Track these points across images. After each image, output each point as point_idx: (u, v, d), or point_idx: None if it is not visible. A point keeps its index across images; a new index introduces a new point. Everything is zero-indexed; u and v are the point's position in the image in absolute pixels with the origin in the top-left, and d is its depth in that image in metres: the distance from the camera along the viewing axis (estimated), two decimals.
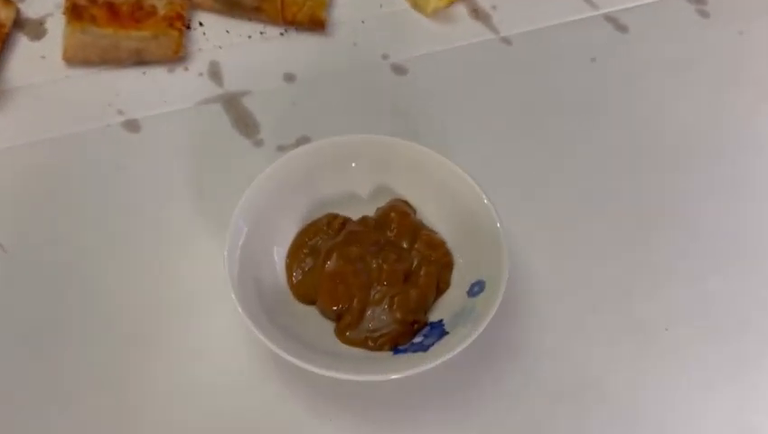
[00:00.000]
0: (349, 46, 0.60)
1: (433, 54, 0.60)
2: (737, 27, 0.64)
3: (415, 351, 0.42)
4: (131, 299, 0.46)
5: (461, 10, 0.62)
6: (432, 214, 0.48)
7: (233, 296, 0.41)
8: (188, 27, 0.58)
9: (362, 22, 0.61)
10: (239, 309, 0.41)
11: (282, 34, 0.60)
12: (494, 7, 0.63)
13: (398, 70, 0.58)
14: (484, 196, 0.45)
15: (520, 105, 0.58)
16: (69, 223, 0.49)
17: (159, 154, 0.52)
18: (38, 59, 0.56)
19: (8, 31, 0.55)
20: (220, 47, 0.58)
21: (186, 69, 0.57)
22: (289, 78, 0.57)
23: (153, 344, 0.45)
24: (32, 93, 0.54)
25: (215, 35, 0.59)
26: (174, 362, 0.44)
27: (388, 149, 0.48)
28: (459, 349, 0.40)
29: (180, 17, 0.56)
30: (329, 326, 0.45)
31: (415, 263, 0.46)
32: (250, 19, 0.60)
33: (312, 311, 0.45)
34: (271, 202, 0.46)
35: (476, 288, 0.44)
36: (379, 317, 0.44)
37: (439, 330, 0.43)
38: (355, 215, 0.48)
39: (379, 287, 0.45)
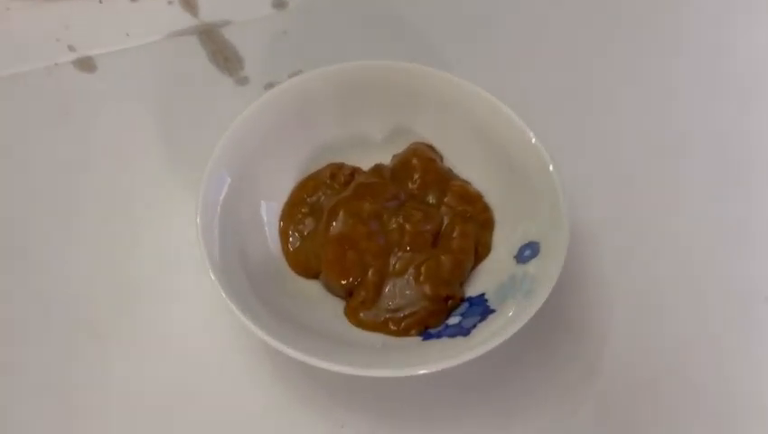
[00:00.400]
0: None
1: None
2: None
3: (451, 335, 0.32)
4: (86, 279, 0.37)
5: None
6: (464, 161, 0.38)
7: (210, 271, 0.31)
8: None
9: None
10: (220, 289, 0.31)
11: None
12: None
13: None
14: (532, 135, 0.35)
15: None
16: (7, 185, 0.39)
17: (119, 98, 0.43)
18: None
19: None
20: None
21: None
22: (279, 4, 0.47)
23: (114, 334, 0.35)
24: None
25: None
26: (141, 356, 0.35)
27: (408, 79, 0.37)
28: (511, 331, 0.30)
29: None
30: (337, 306, 0.35)
31: (446, 222, 0.36)
32: None
33: (314, 287, 0.35)
34: (259, 147, 0.36)
35: (527, 252, 0.34)
36: (403, 293, 0.34)
37: (481, 307, 0.33)
38: (366, 164, 0.37)
39: (400, 254, 0.34)
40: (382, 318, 0.34)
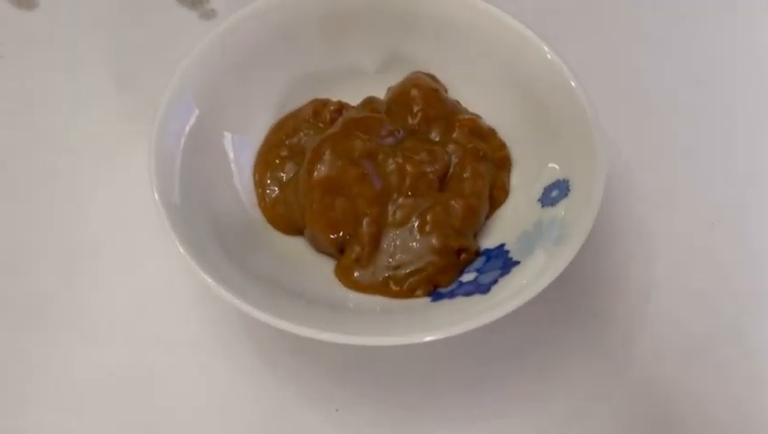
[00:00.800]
0: None
1: None
2: None
3: (467, 293, 0.26)
4: (26, 247, 0.31)
5: None
6: (472, 92, 0.32)
7: (170, 229, 0.25)
8: None
9: None
10: (182, 250, 0.25)
11: None
12: None
13: None
14: (548, 50, 0.29)
15: None
16: None
17: (62, 37, 0.36)
18: None
19: None
20: None
21: None
22: None
23: (62, 310, 0.29)
24: None
25: None
26: (94, 335, 0.29)
27: None
28: (542, 285, 0.24)
29: None
30: (327, 266, 0.29)
31: (454, 162, 0.30)
32: None
33: (298, 244, 0.29)
34: (228, 77, 0.30)
35: (555, 193, 0.28)
36: (405, 246, 0.28)
37: (501, 259, 0.27)
38: (356, 99, 0.31)
39: (400, 200, 0.28)
40: (381, 277, 0.28)
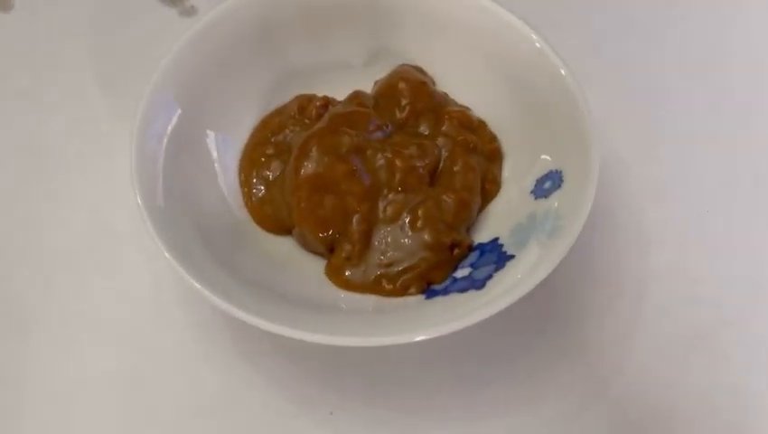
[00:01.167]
0: None
1: None
2: None
3: (461, 289, 0.26)
4: (6, 255, 0.30)
5: None
6: (460, 85, 0.31)
7: (154, 233, 0.24)
8: None
9: None
10: (167, 255, 0.24)
11: None
12: None
13: None
14: (537, 39, 0.28)
15: None
16: None
17: (40, 38, 0.35)
18: None
19: None
20: None
21: None
22: None
23: (39, 316, 0.29)
24: None
25: None
26: (72, 341, 0.28)
27: None
28: (538, 279, 0.24)
29: None
30: (317, 266, 0.28)
31: (444, 155, 0.29)
32: None
33: (286, 244, 0.29)
34: (210, 75, 0.29)
35: (547, 185, 0.27)
36: (397, 243, 0.27)
37: (496, 254, 0.27)
38: (342, 94, 0.31)
39: (391, 196, 0.28)
40: (373, 276, 0.27)
